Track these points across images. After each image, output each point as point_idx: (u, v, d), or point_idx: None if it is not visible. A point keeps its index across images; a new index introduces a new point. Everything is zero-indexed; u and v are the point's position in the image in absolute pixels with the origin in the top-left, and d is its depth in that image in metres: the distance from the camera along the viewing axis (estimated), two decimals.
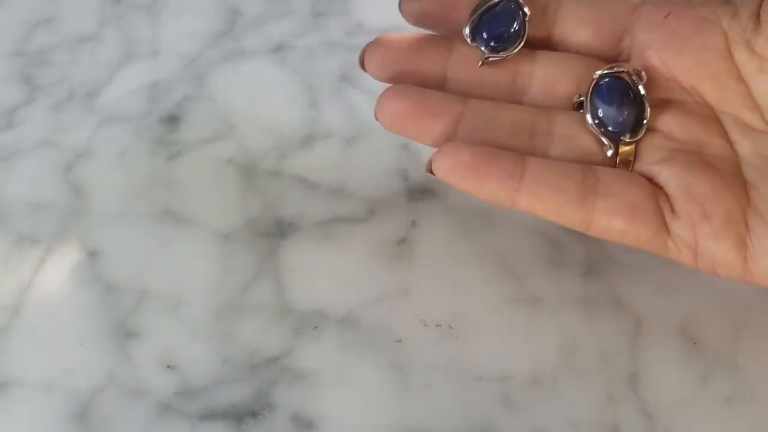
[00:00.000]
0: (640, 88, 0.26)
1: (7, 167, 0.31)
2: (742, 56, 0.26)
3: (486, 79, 0.28)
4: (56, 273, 0.28)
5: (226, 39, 0.36)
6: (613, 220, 0.25)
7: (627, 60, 0.28)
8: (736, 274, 0.25)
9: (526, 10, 0.28)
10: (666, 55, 0.27)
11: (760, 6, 0.26)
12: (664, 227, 0.25)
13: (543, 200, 0.25)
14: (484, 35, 0.27)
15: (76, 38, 0.36)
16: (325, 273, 0.28)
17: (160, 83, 0.34)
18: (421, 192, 0.30)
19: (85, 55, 0.35)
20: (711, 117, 0.27)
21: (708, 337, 0.26)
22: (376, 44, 0.28)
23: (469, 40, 0.28)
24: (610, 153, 0.26)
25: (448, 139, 0.26)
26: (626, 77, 0.27)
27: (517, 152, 0.26)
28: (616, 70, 0.27)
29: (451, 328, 0.27)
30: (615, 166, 0.26)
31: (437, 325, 0.27)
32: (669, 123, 0.27)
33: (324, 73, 0.34)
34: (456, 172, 0.25)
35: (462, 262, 0.28)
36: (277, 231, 0.29)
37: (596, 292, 0.27)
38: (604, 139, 0.26)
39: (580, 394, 0.25)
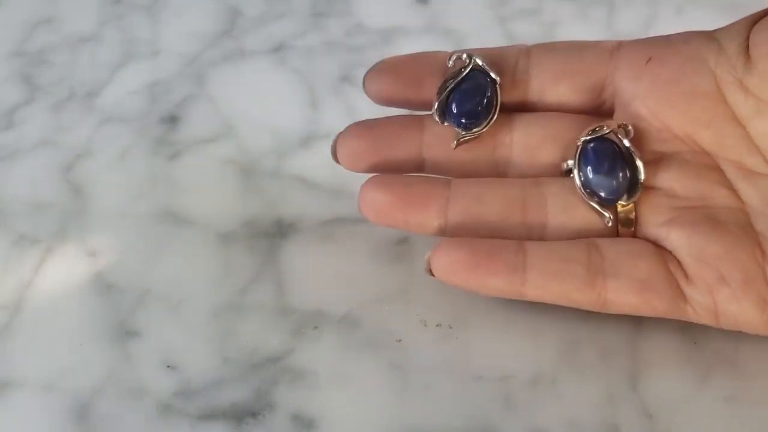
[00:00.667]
0: (629, 146, 0.25)
1: (7, 167, 0.31)
2: (736, 97, 0.25)
3: (465, 157, 0.27)
4: (56, 273, 0.28)
5: (226, 39, 0.36)
6: (626, 298, 0.24)
7: (611, 111, 0.27)
8: (761, 330, 0.24)
9: (494, 76, 0.26)
10: (653, 104, 0.26)
11: (747, 39, 0.24)
12: (680, 295, 0.24)
13: (552, 290, 0.24)
14: (455, 113, 0.26)
15: (76, 38, 0.36)
16: (325, 273, 0.28)
17: (160, 83, 0.34)
18: None
19: (85, 55, 0.35)
20: (710, 165, 0.25)
21: (708, 337, 0.26)
22: (345, 136, 0.27)
23: (439, 121, 0.27)
24: (610, 223, 0.25)
25: (440, 230, 0.26)
26: (613, 137, 0.25)
27: (513, 231, 0.25)
28: (601, 133, 0.25)
29: (451, 328, 0.27)
30: (617, 232, 0.25)
31: (437, 325, 0.27)
32: (668, 179, 0.25)
33: (324, 73, 0.34)
34: (456, 272, 0.24)
35: None
36: (277, 231, 0.29)
37: None
38: (599, 208, 0.25)
39: (580, 394, 0.25)
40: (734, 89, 0.25)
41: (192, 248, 0.29)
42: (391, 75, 0.27)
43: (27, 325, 0.27)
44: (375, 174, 0.27)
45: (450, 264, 0.24)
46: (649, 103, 0.26)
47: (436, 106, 0.27)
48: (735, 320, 0.24)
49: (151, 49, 0.35)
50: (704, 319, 0.24)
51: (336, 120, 0.32)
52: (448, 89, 0.26)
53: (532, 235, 0.26)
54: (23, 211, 0.30)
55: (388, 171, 0.27)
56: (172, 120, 0.33)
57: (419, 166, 0.27)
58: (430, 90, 0.27)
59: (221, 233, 0.29)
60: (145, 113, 0.33)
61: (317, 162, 0.31)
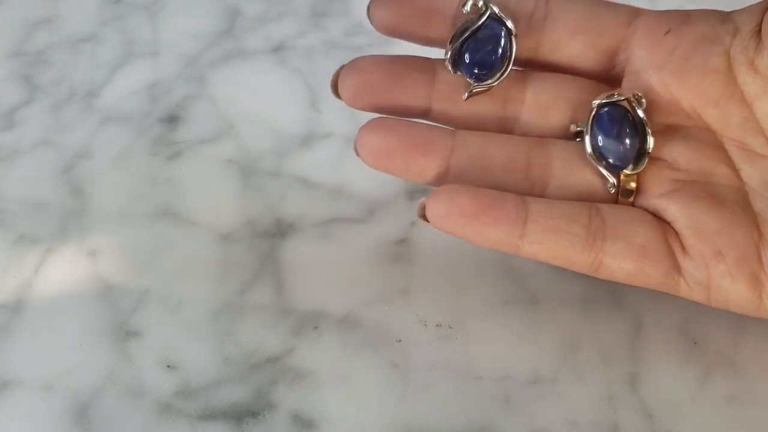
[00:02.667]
0: (642, 115, 0.25)
1: (7, 167, 0.31)
2: (745, 78, 0.25)
3: (473, 110, 0.26)
4: (56, 273, 0.28)
5: (226, 39, 0.36)
6: (622, 263, 0.24)
7: (619, 77, 0.27)
8: (750, 310, 0.24)
9: (509, 25, 0.25)
10: (666, 76, 0.26)
11: (760, 22, 0.25)
12: (676, 267, 0.24)
13: (549, 247, 0.24)
14: (467, 63, 0.25)
15: (76, 38, 0.36)
16: (325, 273, 0.28)
17: (160, 83, 0.34)
18: (421, 192, 0.30)
19: (85, 55, 0.35)
20: (714, 143, 0.26)
21: (708, 337, 0.26)
22: (350, 69, 0.26)
23: (451, 70, 0.26)
24: (612, 189, 0.25)
25: (440, 179, 0.25)
26: (626, 105, 0.25)
27: (515, 187, 0.25)
28: (616, 99, 0.25)
29: (451, 328, 0.27)
30: (617, 199, 0.25)
31: (437, 325, 0.27)
32: (673, 151, 0.25)
33: (324, 73, 0.34)
34: (454, 219, 0.23)
35: (462, 262, 0.28)
36: (277, 231, 0.29)
37: (596, 292, 0.27)
38: (605, 172, 0.25)
39: (580, 394, 0.25)
40: (745, 70, 0.25)
41: (192, 248, 0.29)
42: (397, 3, 0.26)
43: (27, 325, 0.27)
44: (375, 117, 0.26)
45: (449, 210, 0.23)
46: (661, 75, 0.26)
47: (448, 55, 0.26)
48: (726, 298, 0.24)
49: (151, 49, 0.35)
50: (696, 294, 0.24)
51: (336, 120, 0.32)
52: (462, 38, 0.26)
53: (534, 193, 0.25)
54: (23, 211, 0.30)
55: (391, 113, 0.26)
56: (172, 120, 0.33)
57: (425, 113, 0.26)
58: (436, 26, 0.26)
59: (221, 233, 0.29)
60: (145, 113, 0.33)
61: (317, 162, 0.31)
